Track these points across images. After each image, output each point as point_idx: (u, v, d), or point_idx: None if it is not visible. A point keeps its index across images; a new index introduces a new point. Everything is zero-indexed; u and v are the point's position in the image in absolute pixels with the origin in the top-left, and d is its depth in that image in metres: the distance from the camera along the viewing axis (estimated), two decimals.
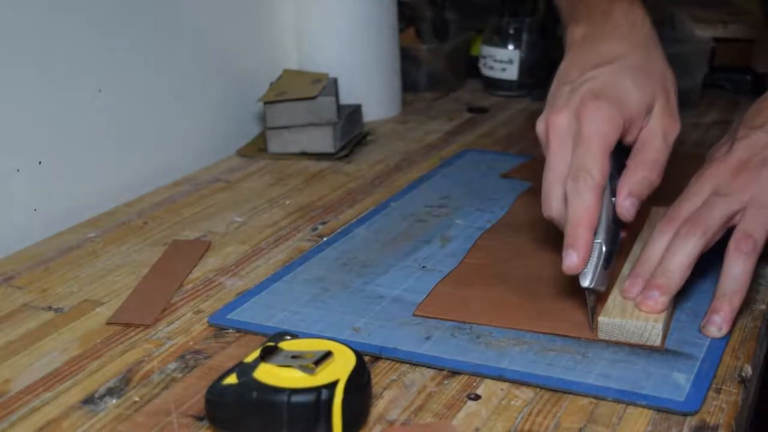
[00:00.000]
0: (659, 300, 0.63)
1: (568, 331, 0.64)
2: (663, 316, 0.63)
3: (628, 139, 0.68)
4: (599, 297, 0.65)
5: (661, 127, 0.68)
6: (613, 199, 0.67)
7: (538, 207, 0.74)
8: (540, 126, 0.69)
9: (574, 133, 0.66)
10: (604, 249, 0.64)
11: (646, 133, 0.68)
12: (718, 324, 0.63)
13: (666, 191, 0.70)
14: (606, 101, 0.66)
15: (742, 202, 0.64)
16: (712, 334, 0.63)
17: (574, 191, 0.64)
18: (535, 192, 0.90)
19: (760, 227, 0.63)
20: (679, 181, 0.70)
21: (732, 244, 0.63)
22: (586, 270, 0.63)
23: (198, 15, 1.05)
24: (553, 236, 0.80)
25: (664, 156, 0.68)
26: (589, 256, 0.63)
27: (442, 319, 0.67)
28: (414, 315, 0.68)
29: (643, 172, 0.67)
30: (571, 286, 0.67)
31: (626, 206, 0.66)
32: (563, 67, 0.73)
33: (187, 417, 0.56)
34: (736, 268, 0.63)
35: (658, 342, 0.62)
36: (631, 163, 0.68)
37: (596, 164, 0.63)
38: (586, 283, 0.63)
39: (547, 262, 0.75)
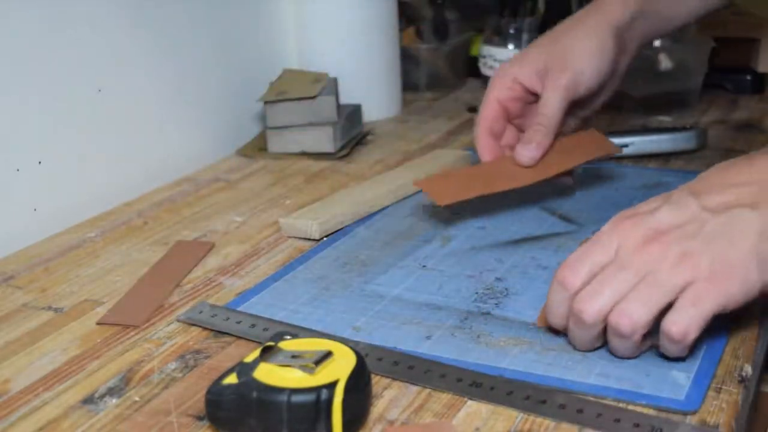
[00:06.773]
0: None
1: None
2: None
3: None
4: None
5: (552, 83, 0.82)
6: None
7: None
8: None
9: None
10: None
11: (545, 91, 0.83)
12: None
13: None
14: (509, 69, 0.85)
15: (638, 276, 0.57)
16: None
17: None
18: None
19: (643, 309, 0.57)
20: None
21: (610, 324, 0.57)
22: None
23: (198, 14, 1.05)
24: None
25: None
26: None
27: (445, 199, 0.77)
28: (414, 185, 0.82)
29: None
30: None
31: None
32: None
33: (187, 417, 0.56)
34: (619, 351, 0.59)
35: (316, 236, 0.81)
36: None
37: (482, 112, 0.87)
38: None
39: None
